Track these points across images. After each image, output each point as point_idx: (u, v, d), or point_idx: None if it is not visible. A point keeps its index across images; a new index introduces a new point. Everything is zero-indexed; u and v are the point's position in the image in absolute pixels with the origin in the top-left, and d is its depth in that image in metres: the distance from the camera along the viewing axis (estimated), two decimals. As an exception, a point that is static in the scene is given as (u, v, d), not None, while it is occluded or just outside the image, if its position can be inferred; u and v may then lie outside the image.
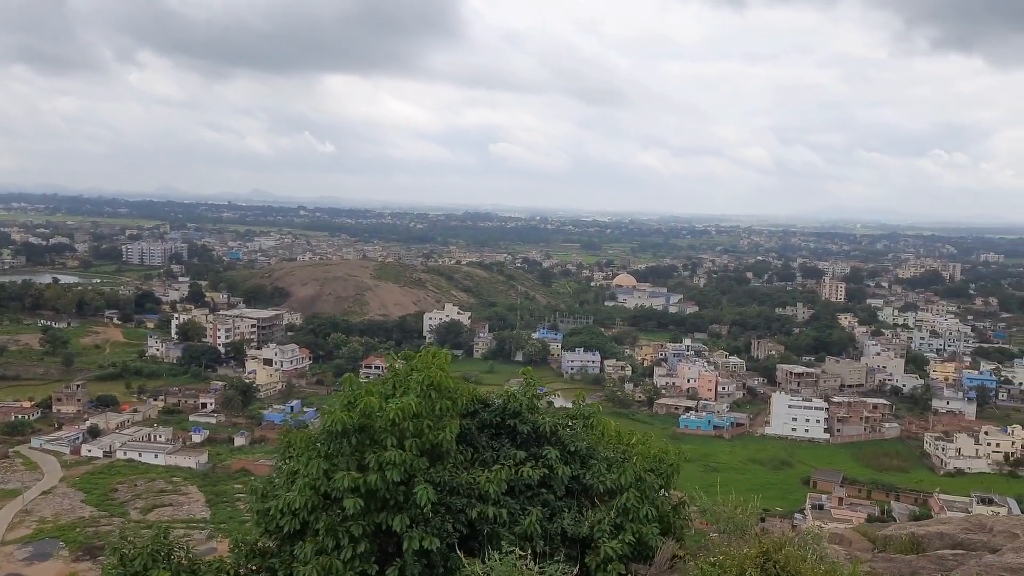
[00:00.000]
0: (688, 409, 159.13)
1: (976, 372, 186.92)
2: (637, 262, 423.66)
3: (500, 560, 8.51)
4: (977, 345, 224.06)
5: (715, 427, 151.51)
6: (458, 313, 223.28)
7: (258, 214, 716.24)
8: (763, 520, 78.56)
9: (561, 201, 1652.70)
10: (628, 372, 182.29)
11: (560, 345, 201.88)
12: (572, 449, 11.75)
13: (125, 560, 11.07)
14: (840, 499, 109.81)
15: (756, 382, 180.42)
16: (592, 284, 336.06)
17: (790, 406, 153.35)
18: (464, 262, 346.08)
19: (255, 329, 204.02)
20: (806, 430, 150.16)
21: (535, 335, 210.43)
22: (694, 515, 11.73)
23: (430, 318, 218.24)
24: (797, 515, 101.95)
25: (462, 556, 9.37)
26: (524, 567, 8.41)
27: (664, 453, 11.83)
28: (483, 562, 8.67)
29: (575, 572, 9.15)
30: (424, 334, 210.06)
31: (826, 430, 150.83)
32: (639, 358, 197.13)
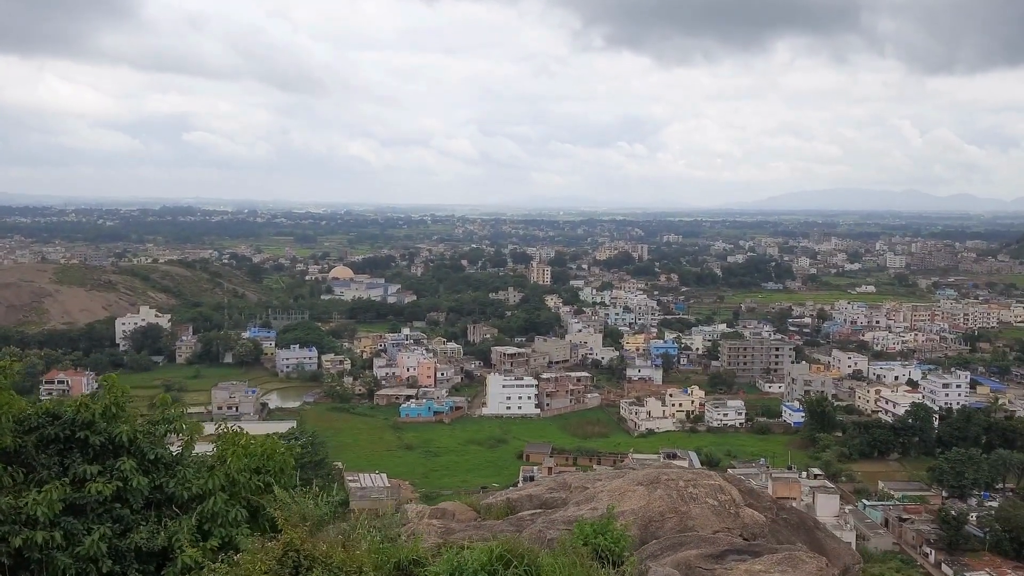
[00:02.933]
0: (409, 398, 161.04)
1: (661, 341, 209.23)
2: (354, 254, 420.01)
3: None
4: (662, 317, 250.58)
5: (435, 413, 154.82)
6: (156, 316, 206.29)
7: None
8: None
9: (271, 193, 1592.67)
10: (347, 366, 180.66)
11: (274, 343, 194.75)
12: (153, 457, 10.75)
13: None
14: (549, 469, 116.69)
15: (473, 365, 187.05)
16: (307, 278, 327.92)
17: (504, 386, 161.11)
18: (163, 260, 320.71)
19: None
20: (519, 407, 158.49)
21: (245, 334, 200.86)
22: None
23: (123, 323, 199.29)
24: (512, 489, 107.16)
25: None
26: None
27: (271, 451, 11.24)
28: None
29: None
30: (117, 341, 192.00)
31: (537, 405, 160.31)
32: (358, 350, 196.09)
